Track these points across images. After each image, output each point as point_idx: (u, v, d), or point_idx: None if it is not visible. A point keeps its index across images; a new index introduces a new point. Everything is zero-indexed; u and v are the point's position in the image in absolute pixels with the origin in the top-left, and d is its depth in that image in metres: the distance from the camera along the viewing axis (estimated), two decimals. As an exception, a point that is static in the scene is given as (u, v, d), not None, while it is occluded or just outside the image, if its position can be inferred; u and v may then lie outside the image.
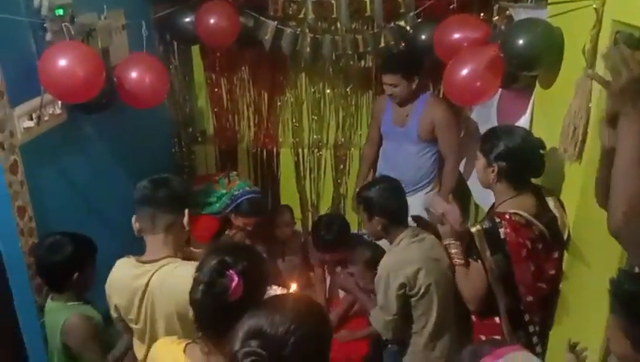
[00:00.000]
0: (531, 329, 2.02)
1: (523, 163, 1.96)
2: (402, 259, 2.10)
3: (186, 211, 1.82)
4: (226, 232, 3.11)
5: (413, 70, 2.87)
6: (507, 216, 1.91)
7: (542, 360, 2.08)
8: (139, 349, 1.83)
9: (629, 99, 1.32)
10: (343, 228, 2.88)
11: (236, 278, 1.29)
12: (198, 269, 1.38)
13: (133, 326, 1.80)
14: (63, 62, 1.95)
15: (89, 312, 2.01)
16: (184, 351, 1.41)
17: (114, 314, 1.85)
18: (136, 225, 1.80)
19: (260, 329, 1.00)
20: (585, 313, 1.95)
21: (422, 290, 2.06)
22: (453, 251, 2.08)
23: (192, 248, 2.11)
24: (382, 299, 2.12)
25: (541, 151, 1.97)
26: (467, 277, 2.04)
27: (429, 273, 2.06)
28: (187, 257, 1.84)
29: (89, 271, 2.05)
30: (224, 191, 3.08)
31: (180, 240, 1.84)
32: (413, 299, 2.09)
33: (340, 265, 2.88)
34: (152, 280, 1.71)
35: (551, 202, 2.02)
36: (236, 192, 3.07)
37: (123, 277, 1.77)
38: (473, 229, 1.94)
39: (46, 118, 2.14)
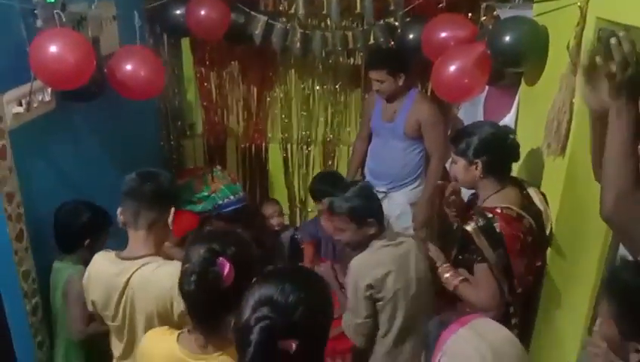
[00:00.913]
0: (513, 321, 2.04)
1: (502, 150, 1.98)
2: (373, 260, 2.04)
3: (172, 209, 1.78)
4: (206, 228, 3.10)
5: (399, 67, 2.90)
6: (498, 211, 1.92)
7: None
8: (116, 346, 1.81)
9: (617, 93, 1.35)
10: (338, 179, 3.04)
11: (227, 264, 1.29)
12: (186, 260, 1.37)
13: (109, 323, 1.77)
14: (53, 49, 1.95)
15: None
16: (177, 340, 1.42)
17: (90, 308, 1.83)
18: (120, 218, 1.77)
19: (271, 297, 1.01)
20: (568, 306, 2.00)
21: (389, 295, 2.02)
22: (447, 275, 2.03)
23: (167, 243, 2.05)
24: (352, 300, 2.07)
25: (511, 136, 2.01)
26: (477, 286, 1.97)
27: (398, 278, 2.02)
28: (164, 254, 1.82)
29: (101, 240, 2.21)
30: (206, 194, 3.08)
31: (162, 238, 1.81)
32: (379, 303, 2.05)
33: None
34: (132, 279, 1.68)
35: (534, 195, 2.06)
36: (220, 201, 3.08)
37: (101, 273, 1.74)
38: (469, 228, 1.92)
39: (35, 105, 2.13)
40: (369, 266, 2.03)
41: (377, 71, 2.91)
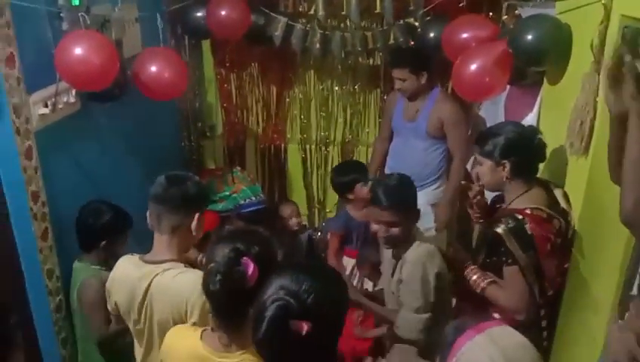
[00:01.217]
0: (543, 323, 2.01)
1: (530, 151, 1.94)
2: (432, 250, 2.01)
3: (197, 215, 1.74)
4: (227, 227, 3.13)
5: (422, 65, 2.89)
6: (528, 212, 1.89)
7: (547, 356, 2.10)
8: (137, 351, 1.82)
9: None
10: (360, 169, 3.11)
11: (252, 264, 1.31)
12: (210, 259, 1.38)
13: (131, 326, 1.78)
14: (78, 51, 1.98)
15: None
16: (201, 337, 1.43)
17: (111, 310, 1.84)
18: (148, 220, 1.77)
19: (287, 285, 1.07)
20: (590, 308, 1.96)
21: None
22: (474, 277, 1.99)
23: None
24: (419, 295, 1.95)
25: (538, 136, 1.96)
26: (506, 289, 1.93)
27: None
28: (184, 256, 1.81)
29: (119, 243, 2.24)
30: (227, 194, 3.13)
31: (186, 243, 1.78)
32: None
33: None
34: (152, 283, 1.68)
35: (559, 195, 2.03)
36: (242, 201, 3.13)
37: (126, 276, 1.75)
38: (499, 230, 1.88)
39: (60, 106, 2.17)
40: (434, 255, 2.00)
41: (399, 69, 2.90)
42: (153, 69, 2.42)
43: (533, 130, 2.00)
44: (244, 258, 1.32)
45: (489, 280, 1.97)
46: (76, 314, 2.23)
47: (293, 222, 3.44)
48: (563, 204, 2.02)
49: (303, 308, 1.02)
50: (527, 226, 1.86)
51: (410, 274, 1.97)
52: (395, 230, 1.97)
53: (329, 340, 1.10)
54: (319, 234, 3.86)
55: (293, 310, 1.02)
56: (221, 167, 3.60)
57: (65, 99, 2.21)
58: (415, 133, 3.04)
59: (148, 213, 1.76)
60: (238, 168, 3.47)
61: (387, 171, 3.25)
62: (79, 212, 2.25)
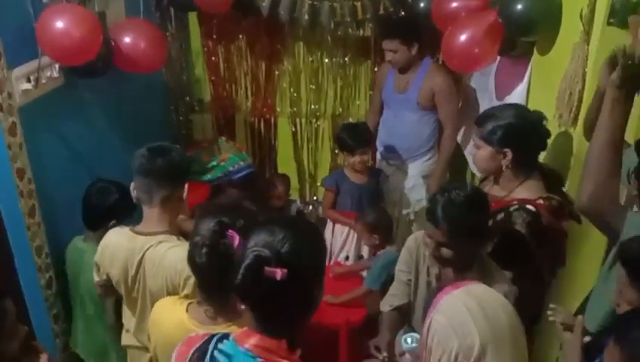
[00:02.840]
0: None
1: (535, 140, 1.83)
2: None
3: (186, 185, 1.77)
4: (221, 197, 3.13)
5: (412, 36, 2.85)
6: (541, 202, 1.76)
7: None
8: (129, 319, 1.85)
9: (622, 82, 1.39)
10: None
11: (237, 237, 1.31)
12: (196, 233, 1.39)
13: (125, 295, 1.81)
14: (60, 24, 1.94)
15: None
16: (187, 310, 1.44)
17: (98, 278, 1.87)
18: (133, 193, 1.77)
19: (263, 237, 1.09)
20: (582, 273, 1.99)
21: None
22: None
23: (181, 216, 2.04)
24: None
25: (544, 123, 1.84)
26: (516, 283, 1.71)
27: None
28: (178, 227, 1.84)
29: (125, 223, 2.11)
30: (215, 163, 3.09)
31: (176, 213, 1.81)
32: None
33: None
34: (145, 256, 1.71)
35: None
36: (231, 168, 3.09)
37: (118, 248, 1.76)
38: (518, 227, 1.73)
39: (44, 81, 2.14)
40: None
41: (390, 40, 2.87)
42: (127, 40, 2.36)
43: (540, 117, 1.84)
44: (230, 231, 1.32)
45: None
46: (86, 294, 2.18)
47: (279, 198, 3.46)
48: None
49: (277, 257, 1.04)
50: (543, 218, 1.73)
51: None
52: (446, 251, 1.65)
53: (306, 286, 1.11)
54: (311, 207, 3.88)
55: (267, 258, 1.04)
56: (207, 139, 3.55)
57: (48, 74, 2.17)
58: (406, 104, 3.00)
59: (132, 187, 1.76)
60: (223, 138, 3.43)
61: (378, 143, 3.24)
62: (86, 190, 2.22)
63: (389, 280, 2.30)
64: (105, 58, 2.31)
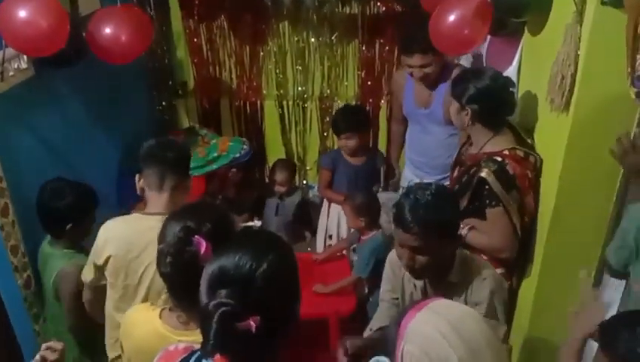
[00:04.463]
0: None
1: (495, 103, 2.00)
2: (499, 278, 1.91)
3: (191, 174, 1.92)
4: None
5: None
6: (506, 153, 1.95)
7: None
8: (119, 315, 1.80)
9: None
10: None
11: (204, 242, 1.24)
12: (161, 240, 1.33)
13: (119, 282, 1.76)
14: (22, 13, 1.82)
15: (83, 261, 1.94)
16: (160, 316, 1.39)
17: (93, 276, 1.84)
18: (140, 183, 1.83)
19: (224, 273, 1.00)
20: (575, 258, 1.97)
21: None
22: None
23: None
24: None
25: (511, 89, 2.05)
26: (490, 231, 1.96)
27: None
28: None
29: (86, 223, 2.09)
30: (216, 155, 3.08)
31: (182, 200, 1.85)
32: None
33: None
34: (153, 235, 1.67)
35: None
36: (237, 155, 3.13)
37: (124, 227, 1.78)
38: (483, 174, 1.93)
39: (11, 74, 2.04)
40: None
41: (422, 55, 2.51)
42: (107, 30, 2.23)
43: (506, 83, 2.03)
44: (196, 237, 1.25)
45: (468, 226, 2.01)
46: (50, 299, 2.13)
47: (282, 185, 3.43)
48: (526, 137, 2.09)
49: (248, 304, 0.95)
50: (509, 166, 1.93)
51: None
52: (421, 259, 1.59)
53: (285, 316, 1.05)
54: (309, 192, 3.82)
55: (238, 313, 0.94)
56: (180, 131, 3.44)
57: (16, 66, 2.07)
58: (432, 119, 2.70)
59: (140, 176, 1.83)
60: (205, 130, 3.36)
61: (407, 162, 2.98)
62: (38, 194, 2.08)
63: (378, 264, 2.40)
64: (77, 46, 2.19)
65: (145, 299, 1.72)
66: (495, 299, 1.69)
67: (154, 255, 1.61)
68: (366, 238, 2.73)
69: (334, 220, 3.18)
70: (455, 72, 2.49)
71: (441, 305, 1.12)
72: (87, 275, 1.88)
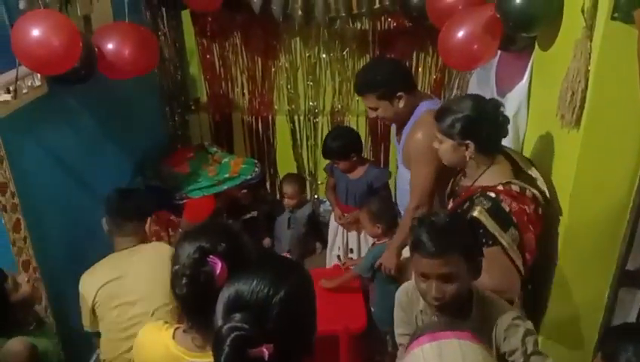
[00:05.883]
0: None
1: (492, 127, 1.85)
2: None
3: (149, 219, 2.13)
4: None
5: (392, 85, 2.26)
6: (500, 188, 1.81)
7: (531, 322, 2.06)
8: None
9: None
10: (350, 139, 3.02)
11: (219, 263, 1.23)
12: (175, 261, 1.31)
13: (114, 303, 1.94)
14: (36, 32, 1.86)
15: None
16: (173, 337, 1.37)
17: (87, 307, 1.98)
18: (105, 226, 2.11)
19: (240, 297, 0.98)
20: (585, 283, 1.95)
21: None
22: None
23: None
24: None
25: (501, 110, 1.87)
26: (490, 271, 1.68)
27: None
28: None
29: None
30: (227, 176, 3.09)
31: (144, 241, 2.14)
32: None
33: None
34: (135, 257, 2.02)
35: (520, 161, 1.98)
36: (249, 177, 3.15)
37: (105, 263, 2.06)
38: (475, 213, 1.77)
39: (25, 91, 2.07)
40: None
41: (365, 97, 2.33)
42: (111, 45, 2.27)
43: (496, 105, 1.87)
44: (211, 257, 1.24)
45: None
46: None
47: (291, 198, 3.41)
48: (526, 168, 1.96)
49: (262, 332, 0.94)
50: (504, 203, 1.78)
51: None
52: (451, 287, 1.48)
53: (300, 345, 1.03)
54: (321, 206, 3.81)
55: (252, 339, 0.92)
56: (190, 148, 3.45)
57: (29, 83, 2.11)
58: (400, 158, 2.48)
59: (104, 220, 2.11)
60: (214, 148, 3.38)
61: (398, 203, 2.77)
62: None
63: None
64: (89, 64, 2.23)
65: (143, 308, 1.80)
66: (527, 344, 1.56)
67: (140, 262, 1.92)
68: (379, 243, 2.71)
69: (332, 227, 3.20)
70: (420, 113, 2.30)
71: (454, 349, 1.04)
72: (85, 322, 2.05)
